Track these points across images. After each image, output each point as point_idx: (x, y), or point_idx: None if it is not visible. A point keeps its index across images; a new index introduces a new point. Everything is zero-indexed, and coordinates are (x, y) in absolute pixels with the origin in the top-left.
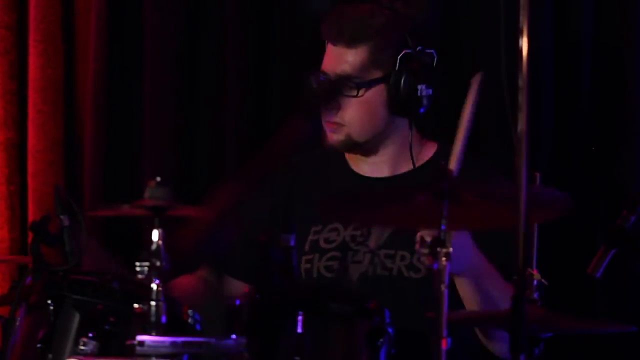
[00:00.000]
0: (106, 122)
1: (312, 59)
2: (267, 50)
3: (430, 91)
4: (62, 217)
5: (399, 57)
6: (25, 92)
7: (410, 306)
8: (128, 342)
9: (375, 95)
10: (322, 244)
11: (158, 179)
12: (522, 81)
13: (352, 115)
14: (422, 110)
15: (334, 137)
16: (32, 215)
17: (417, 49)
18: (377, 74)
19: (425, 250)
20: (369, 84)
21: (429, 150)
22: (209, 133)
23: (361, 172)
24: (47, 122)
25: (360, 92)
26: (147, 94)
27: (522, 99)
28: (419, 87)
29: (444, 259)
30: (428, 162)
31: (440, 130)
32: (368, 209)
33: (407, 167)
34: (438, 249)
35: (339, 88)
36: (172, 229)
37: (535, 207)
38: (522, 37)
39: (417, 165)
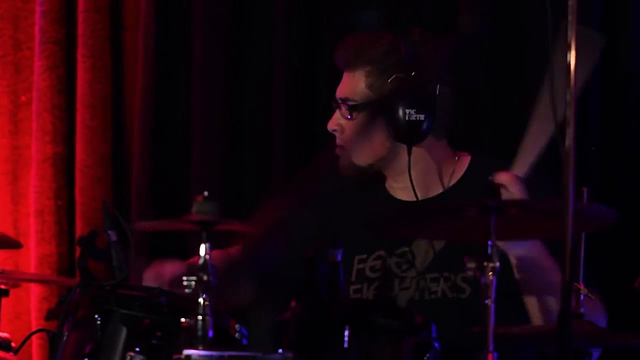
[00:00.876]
0: (154, 137)
1: None
2: (315, 66)
3: (422, 116)
4: (109, 232)
5: (389, 81)
6: (73, 107)
7: (457, 327)
8: (175, 357)
9: (373, 118)
10: (369, 273)
11: (205, 193)
12: (569, 96)
13: (350, 137)
14: (416, 137)
15: (341, 162)
16: (79, 230)
17: (411, 75)
18: (371, 98)
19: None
20: (362, 108)
21: (462, 165)
22: (256, 148)
23: (397, 197)
24: (95, 137)
25: (354, 115)
26: (195, 109)
27: (570, 113)
28: (407, 111)
29: (490, 273)
30: (462, 178)
31: (473, 141)
32: (413, 227)
33: (436, 189)
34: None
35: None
36: (219, 244)
37: (582, 222)
38: (569, 52)
39: (451, 183)
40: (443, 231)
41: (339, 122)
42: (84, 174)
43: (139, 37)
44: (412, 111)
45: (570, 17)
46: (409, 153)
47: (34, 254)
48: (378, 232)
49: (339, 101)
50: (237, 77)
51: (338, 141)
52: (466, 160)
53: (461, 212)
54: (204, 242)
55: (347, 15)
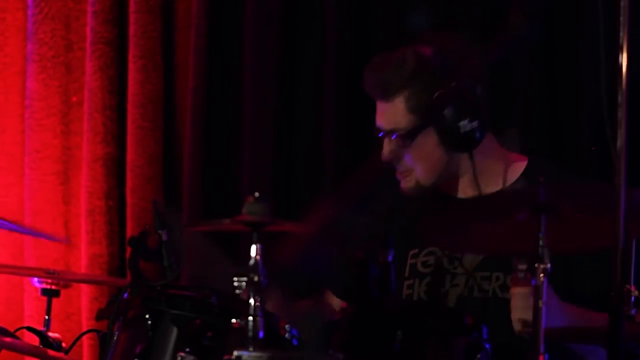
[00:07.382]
0: (205, 137)
1: None
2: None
3: (475, 123)
4: (160, 232)
5: (433, 99)
6: (124, 108)
7: (506, 327)
8: (225, 357)
9: (426, 139)
10: (420, 268)
11: (256, 194)
12: (621, 97)
13: (410, 163)
14: (475, 143)
15: (405, 184)
16: (130, 231)
17: (452, 84)
18: (419, 120)
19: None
20: (413, 133)
21: (518, 168)
22: (307, 148)
23: (453, 194)
24: (147, 137)
25: (408, 142)
26: (246, 110)
27: (621, 115)
28: (461, 124)
29: (541, 275)
30: (517, 181)
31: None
32: (464, 229)
33: (494, 187)
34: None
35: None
36: (270, 245)
37: (635, 221)
38: (621, 53)
39: (507, 184)
40: (492, 238)
41: (392, 151)
42: (135, 175)
43: (190, 37)
44: (466, 122)
45: (622, 18)
46: (472, 160)
47: (84, 254)
48: (431, 232)
49: (385, 132)
50: (288, 77)
51: (400, 168)
52: (523, 163)
53: (512, 211)
54: (255, 243)
55: (398, 15)
